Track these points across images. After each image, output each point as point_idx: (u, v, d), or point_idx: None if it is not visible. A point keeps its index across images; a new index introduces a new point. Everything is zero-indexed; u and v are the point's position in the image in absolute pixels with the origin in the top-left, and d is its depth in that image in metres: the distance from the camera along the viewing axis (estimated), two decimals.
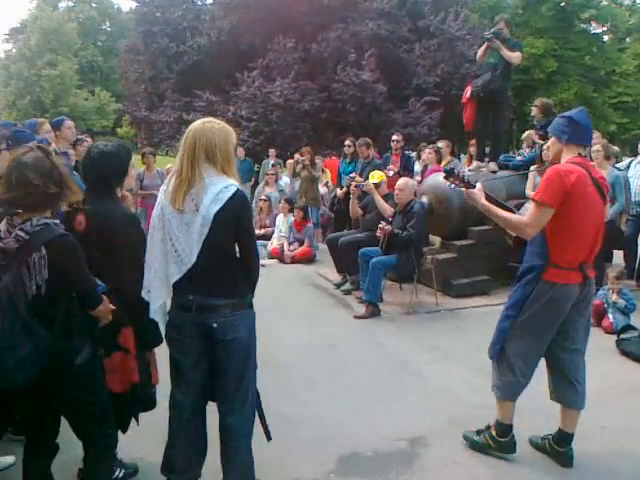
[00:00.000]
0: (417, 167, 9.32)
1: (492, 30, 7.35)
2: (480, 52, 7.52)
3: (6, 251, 2.34)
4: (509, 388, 3.31)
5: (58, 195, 2.40)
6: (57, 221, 2.44)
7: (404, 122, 17.85)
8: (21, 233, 2.31)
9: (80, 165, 6.00)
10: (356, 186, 6.92)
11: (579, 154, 3.17)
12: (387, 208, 6.51)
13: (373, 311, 6.12)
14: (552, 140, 3.33)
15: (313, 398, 4.22)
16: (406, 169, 8.57)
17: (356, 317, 6.13)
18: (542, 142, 6.80)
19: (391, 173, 7.97)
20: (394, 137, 8.99)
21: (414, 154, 10.46)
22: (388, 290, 6.79)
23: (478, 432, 3.54)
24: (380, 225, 6.17)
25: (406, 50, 19.20)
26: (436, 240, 6.62)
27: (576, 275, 3.12)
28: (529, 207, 3.18)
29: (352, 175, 7.48)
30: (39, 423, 2.66)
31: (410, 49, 19.20)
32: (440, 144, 8.91)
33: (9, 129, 3.97)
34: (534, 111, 7.44)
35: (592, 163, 3.82)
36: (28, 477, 2.67)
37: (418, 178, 8.28)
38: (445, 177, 3.35)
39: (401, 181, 6.48)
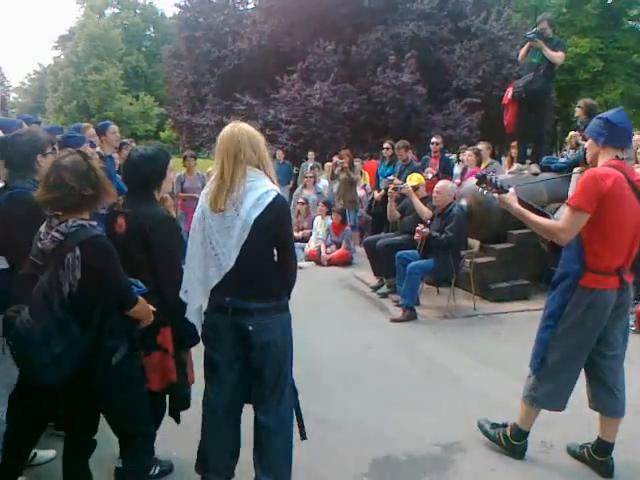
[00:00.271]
0: (456, 169, 9.22)
1: (534, 30, 7.21)
2: (522, 52, 7.39)
3: (44, 251, 2.42)
4: (547, 398, 3.25)
5: (93, 197, 2.44)
6: (94, 223, 2.50)
7: (444, 124, 17.67)
8: (56, 234, 2.38)
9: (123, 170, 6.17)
10: (394, 189, 6.89)
11: (617, 156, 3.09)
12: (425, 211, 6.46)
13: (410, 315, 6.08)
14: (589, 142, 3.27)
15: (349, 401, 4.21)
16: (445, 171, 8.49)
17: (393, 320, 6.10)
18: (586, 144, 6.64)
19: (430, 175, 7.92)
20: (433, 139, 8.92)
21: (453, 156, 10.36)
22: (425, 294, 6.74)
23: (493, 425, 3.52)
24: (418, 228, 6.13)
25: (446, 51, 19.02)
26: (475, 243, 6.53)
27: (614, 280, 3.06)
28: (564, 211, 3.12)
29: (390, 178, 7.46)
30: (77, 419, 2.73)
31: (451, 50, 19.01)
32: (480, 146, 8.80)
33: (57, 134, 4.09)
34: (578, 112, 7.26)
35: (635, 165, 3.72)
36: (67, 471, 2.74)
37: (457, 181, 8.19)
38: (477, 183, 3.31)
39: (440, 183, 6.42)
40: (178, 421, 3.10)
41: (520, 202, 3.22)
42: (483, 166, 8.36)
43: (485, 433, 3.55)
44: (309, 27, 19.37)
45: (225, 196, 2.53)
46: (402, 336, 5.68)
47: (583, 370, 3.27)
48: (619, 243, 3.04)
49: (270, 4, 20.16)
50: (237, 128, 2.61)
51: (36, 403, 2.81)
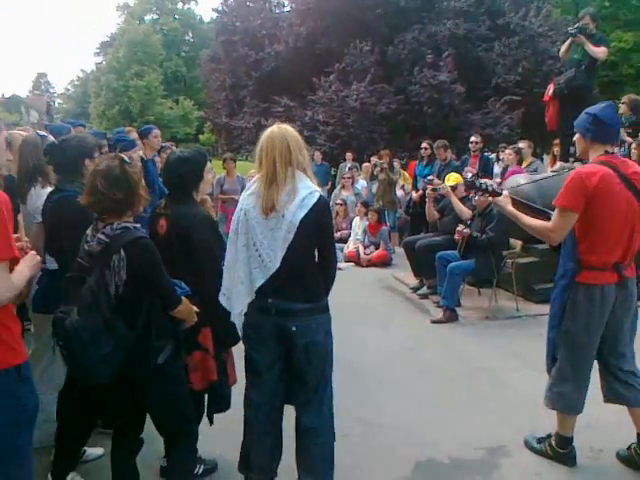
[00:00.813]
0: (496, 169, 9.09)
1: (576, 25, 7.04)
2: (563, 48, 7.23)
3: (91, 253, 2.48)
4: (562, 399, 3.23)
5: (124, 202, 2.49)
6: (138, 225, 2.55)
7: (483, 123, 17.41)
8: (102, 236, 2.45)
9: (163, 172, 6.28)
10: (433, 189, 6.83)
11: (606, 151, 3.07)
12: (465, 211, 6.39)
13: (451, 316, 6.02)
14: (577, 137, 3.24)
15: (390, 402, 4.20)
16: (485, 171, 8.37)
17: (433, 322, 6.05)
18: (631, 140, 6.46)
19: (469, 175, 7.81)
20: (472, 138, 8.81)
21: (493, 155, 10.21)
22: (466, 295, 6.66)
23: (539, 440, 3.47)
24: (458, 228, 6.06)
25: (485, 49, 18.73)
26: (517, 243, 6.42)
27: (611, 275, 3.07)
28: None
29: (429, 178, 7.39)
30: (124, 418, 2.78)
31: (489, 48, 18.71)
32: (521, 145, 8.65)
33: (101, 138, 4.19)
34: (622, 108, 7.07)
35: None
36: (115, 469, 2.80)
37: (497, 180, 8.07)
38: (466, 189, 3.35)
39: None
40: (212, 422, 3.14)
41: (519, 203, 3.28)
42: (524, 165, 8.23)
43: (532, 449, 3.49)
44: (345, 28, 19.35)
45: (271, 197, 2.55)
46: (443, 338, 5.63)
47: (598, 366, 3.26)
48: (613, 238, 3.04)
49: (306, 6, 20.22)
50: (282, 130, 2.63)
51: (84, 402, 2.88)
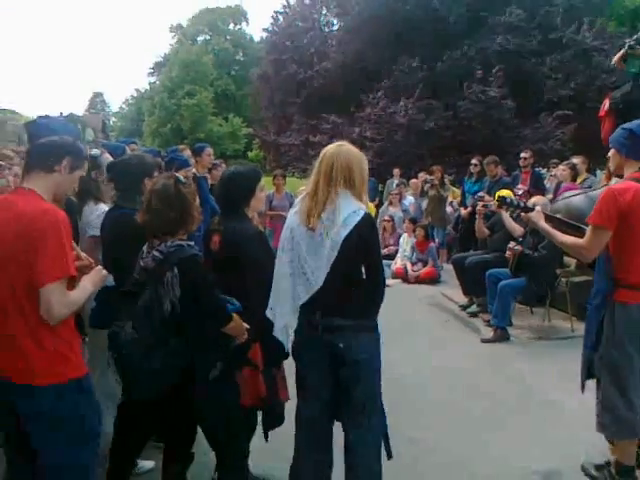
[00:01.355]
0: (548, 184, 8.89)
1: (635, 37, 6.86)
2: (616, 58, 7.02)
3: (146, 269, 2.55)
4: (614, 425, 3.10)
5: (177, 221, 2.54)
6: (191, 243, 2.61)
7: (534, 138, 17.10)
8: (157, 253, 2.52)
9: (215, 189, 6.40)
10: (483, 205, 6.74)
11: None
12: (517, 228, 6.26)
13: (502, 335, 5.90)
14: (612, 152, 3.19)
15: (440, 422, 4.13)
16: (536, 187, 8.20)
17: (484, 341, 5.94)
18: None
19: (520, 191, 7.67)
20: (523, 154, 8.65)
21: (544, 171, 10.01)
22: (518, 314, 6.52)
23: (598, 467, 3.33)
24: (509, 245, 5.96)
25: (536, 63, 18.44)
26: (571, 262, 6.25)
27: None
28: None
29: (480, 194, 7.29)
30: (175, 432, 2.83)
31: (541, 62, 18.41)
32: (575, 160, 8.45)
33: (155, 156, 4.32)
34: None
35: None
36: None
37: (550, 196, 7.89)
38: (498, 206, 3.29)
39: (532, 200, 6.21)
40: (267, 438, 3.12)
41: (552, 219, 3.23)
42: (579, 181, 8.02)
43: (591, 477, 3.36)
44: (393, 45, 19.41)
45: (316, 215, 2.57)
46: (494, 357, 5.51)
47: None
48: None
49: (355, 24, 20.39)
50: (339, 149, 2.65)
51: (140, 415, 2.94)
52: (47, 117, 2.29)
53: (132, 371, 2.49)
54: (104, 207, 3.51)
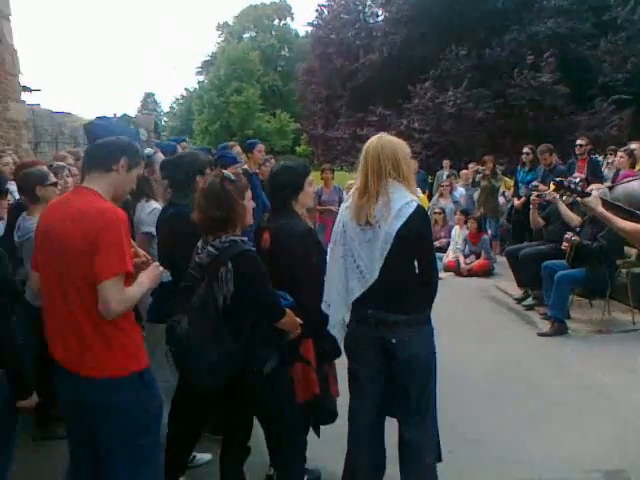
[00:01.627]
0: (606, 172, 8.57)
1: None
2: None
3: (201, 265, 2.58)
4: None
5: (223, 219, 2.55)
6: (245, 238, 2.63)
7: (589, 124, 16.54)
8: (211, 249, 2.54)
9: (265, 184, 6.45)
10: (538, 195, 6.55)
11: None
12: (574, 217, 6.07)
13: (559, 329, 5.73)
14: None
15: (495, 418, 4.05)
16: (594, 175, 7.92)
17: (540, 334, 5.79)
18: None
19: (577, 179, 7.42)
20: (578, 141, 8.37)
21: (601, 158, 9.66)
22: (576, 306, 6.33)
23: None
24: (566, 236, 5.77)
25: (589, 47, 17.79)
26: (632, 252, 6.02)
27: None
28: None
29: (534, 184, 7.09)
30: (232, 426, 2.87)
31: (594, 45, 17.76)
32: (633, 146, 8.10)
33: (209, 153, 4.38)
34: None
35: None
36: (223, 475, 2.89)
37: (608, 184, 7.60)
38: (555, 190, 3.13)
39: (591, 187, 6.00)
40: (318, 434, 3.13)
41: (612, 206, 3.06)
42: (638, 168, 7.70)
43: None
44: (440, 34, 19.09)
45: (367, 208, 2.55)
46: (551, 352, 5.37)
47: None
48: None
49: (400, 14, 20.16)
50: (380, 141, 2.62)
51: (194, 408, 2.99)
52: (104, 118, 2.35)
53: (189, 365, 2.53)
54: (155, 205, 3.60)
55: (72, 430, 2.39)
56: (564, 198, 3.16)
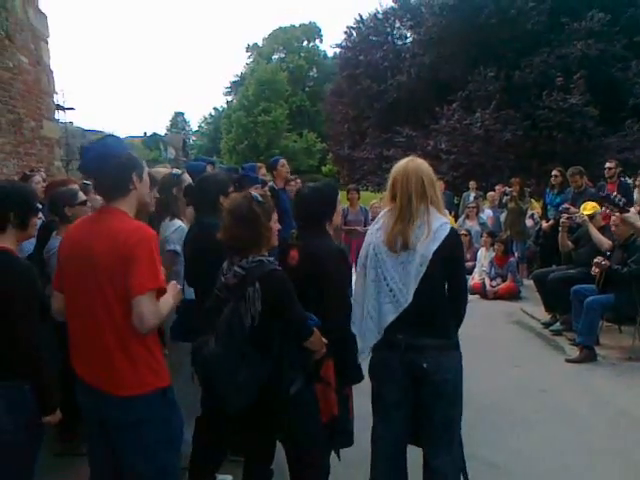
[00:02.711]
0: (637, 195, 8.41)
1: None
2: None
3: (227, 285, 2.58)
4: None
5: (250, 240, 2.55)
6: (271, 258, 2.63)
7: (619, 146, 16.35)
8: (238, 269, 2.54)
9: (291, 203, 6.46)
10: (568, 218, 6.45)
11: None
12: (604, 241, 5.95)
13: (588, 355, 5.60)
14: None
15: (522, 446, 3.95)
16: (625, 198, 7.78)
17: (568, 361, 5.66)
18: None
19: (617, 197, 7.29)
20: (607, 164, 8.22)
21: (630, 181, 9.48)
22: (605, 332, 6.17)
23: None
24: (596, 260, 5.66)
25: (620, 68, 17.66)
26: None
27: None
28: None
29: (565, 206, 6.99)
30: (255, 448, 2.84)
31: (625, 67, 17.62)
32: None
33: (234, 174, 4.42)
34: None
35: None
36: None
37: (638, 207, 7.46)
38: (599, 202, 3.05)
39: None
40: (339, 457, 3.05)
41: None
42: None
43: None
44: (469, 55, 19.15)
45: (405, 232, 2.53)
46: (580, 378, 5.23)
47: None
48: None
49: (428, 36, 20.29)
50: (416, 164, 2.61)
51: (219, 428, 2.98)
52: (89, 150, 2.30)
53: (216, 386, 2.52)
54: (179, 223, 3.64)
55: (94, 444, 2.39)
56: (607, 211, 3.09)
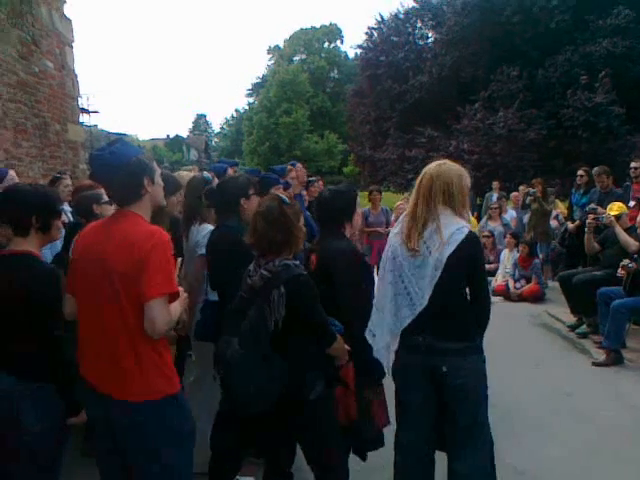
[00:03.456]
0: None
1: None
2: None
3: (253, 288, 2.58)
4: None
5: (282, 242, 2.55)
6: (297, 262, 2.62)
7: None
8: (265, 272, 2.53)
9: (313, 205, 6.45)
10: (594, 219, 6.33)
11: None
12: (632, 243, 5.84)
13: (615, 358, 5.50)
14: None
15: (548, 451, 3.89)
16: None
17: (595, 364, 5.57)
18: None
19: (632, 204, 7.16)
20: (633, 164, 8.00)
21: None
22: (632, 335, 6.06)
23: None
24: (623, 263, 5.55)
25: None
26: None
27: None
28: None
29: (593, 206, 6.88)
30: (275, 450, 2.84)
31: None
32: None
33: (255, 176, 4.43)
34: None
35: None
36: None
37: None
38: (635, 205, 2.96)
39: None
40: (364, 459, 3.05)
41: None
42: None
43: None
44: (491, 54, 18.99)
45: (417, 235, 2.52)
46: (606, 382, 5.14)
47: None
48: None
49: (450, 35, 20.15)
50: (436, 167, 2.60)
51: (238, 430, 2.98)
52: (97, 157, 2.23)
53: (238, 387, 2.51)
54: (209, 227, 3.62)
55: (101, 446, 2.36)
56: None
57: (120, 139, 2.36)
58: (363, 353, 2.77)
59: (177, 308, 2.24)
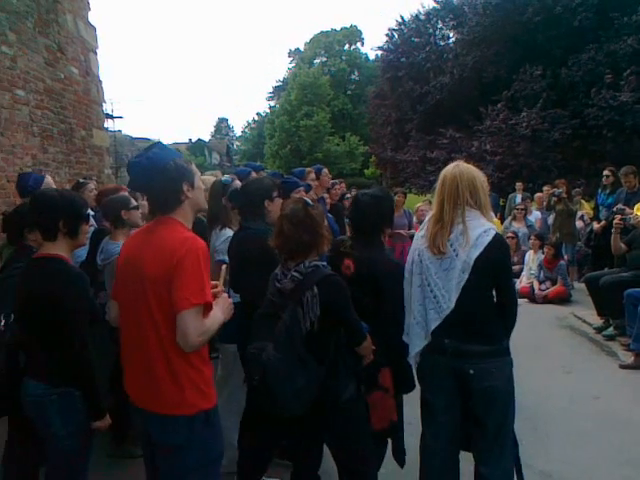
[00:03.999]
0: None
1: None
2: None
3: (282, 291, 2.58)
4: None
5: (309, 243, 2.55)
6: (324, 263, 2.63)
7: None
8: (296, 274, 2.54)
9: (337, 209, 6.45)
10: (621, 219, 6.22)
11: None
12: None
13: None
14: None
15: (575, 455, 3.83)
16: None
17: (622, 367, 5.47)
18: None
19: None
20: None
21: None
22: None
23: None
24: None
25: None
26: None
27: None
28: None
29: (620, 207, 6.76)
30: (303, 452, 2.84)
31: None
32: None
33: (278, 178, 4.45)
34: None
35: None
36: None
37: None
38: None
39: None
40: (401, 464, 3.02)
41: None
42: None
43: None
44: (514, 54, 18.81)
45: (443, 238, 2.51)
46: (634, 385, 5.05)
47: None
48: None
49: (472, 36, 20.01)
50: (458, 170, 2.58)
51: (265, 433, 2.98)
52: (135, 165, 2.18)
53: (274, 391, 2.49)
54: (229, 232, 3.63)
55: (145, 455, 2.36)
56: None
57: (158, 143, 2.32)
58: (400, 361, 2.80)
59: (218, 318, 2.16)
